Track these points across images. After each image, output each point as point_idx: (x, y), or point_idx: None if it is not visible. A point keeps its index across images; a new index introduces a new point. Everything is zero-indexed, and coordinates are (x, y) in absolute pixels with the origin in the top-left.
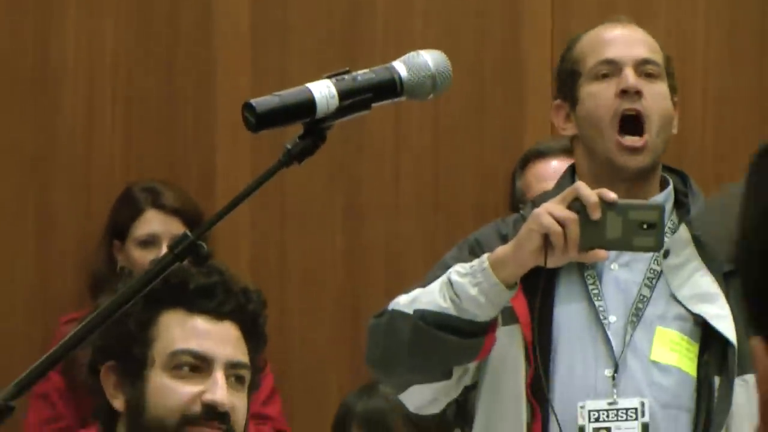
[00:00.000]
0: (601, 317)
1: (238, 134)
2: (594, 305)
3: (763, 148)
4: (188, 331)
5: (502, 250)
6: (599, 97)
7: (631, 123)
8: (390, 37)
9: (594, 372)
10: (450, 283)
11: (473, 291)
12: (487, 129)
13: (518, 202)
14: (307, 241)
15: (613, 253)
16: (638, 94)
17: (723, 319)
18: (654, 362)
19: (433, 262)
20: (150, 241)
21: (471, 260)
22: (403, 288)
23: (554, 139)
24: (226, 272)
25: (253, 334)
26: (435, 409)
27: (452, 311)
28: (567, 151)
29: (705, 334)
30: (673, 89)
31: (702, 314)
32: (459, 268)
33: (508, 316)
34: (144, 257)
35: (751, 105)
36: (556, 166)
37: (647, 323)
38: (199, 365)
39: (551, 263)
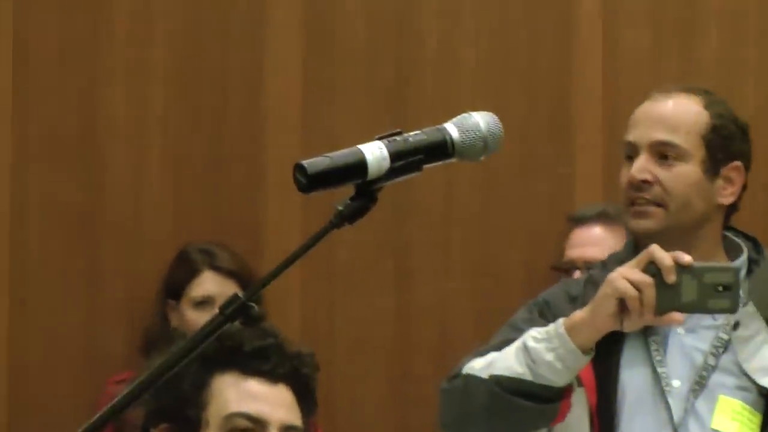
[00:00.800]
0: (664, 384)
1: (288, 194)
2: (657, 371)
3: None
4: (243, 393)
5: (578, 315)
6: (621, 181)
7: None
8: (439, 97)
9: None
10: (526, 348)
11: (549, 356)
12: (536, 190)
13: (557, 265)
14: (357, 303)
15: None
16: (646, 183)
17: None
18: (715, 431)
19: (483, 325)
20: (205, 302)
21: (541, 322)
22: (453, 351)
23: (600, 203)
24: (280, 335)
25: (305, 398)
26: None
27: (528, 377)
28: (605, 216)
29: None
30: (719, 160)
31: None
32: (534, 333)
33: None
34: (199, 318)
35: None
36: (598, 232)
37: (710, 391)
38: (254, 428)
39: (627, 327)
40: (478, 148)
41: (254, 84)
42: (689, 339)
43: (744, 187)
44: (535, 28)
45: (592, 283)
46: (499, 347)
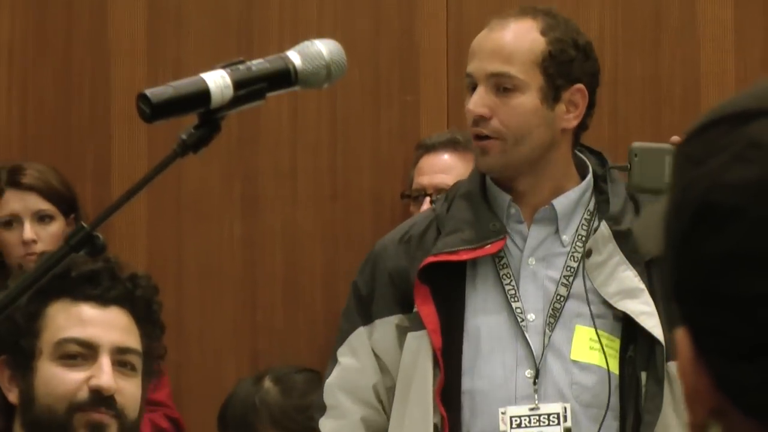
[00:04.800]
0: (519, 319)
1: (133, 124)
2: (511, 307)
3: (682, 139)
4: (73, 319)
5: None
6: (467, 112)
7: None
8: (285, 26)
9: (514, 375)
10: None
11: None
12: (383, 118)
13: (406, 192)
14: (205, 231)
15: (529, 248)
16: (483, 118)
17: (649, 316)
18: (574, 361)
19: (330, 253)
20: (12, 221)
21: (364, 309)
22: (301, 278)
23: (449, 131)
24: (112, 259)
25: (146, 320)
26: None
27: None
28: (454, 143)
29: (628, 330)
30: (559, 86)
31: (627, 311)
32: None
33: (417, 322)
34: (9, 238)
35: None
36: (447, 159)
37: (566, 321)
38: (85, 353)
39: None
40: (321, 75)
41: (99, 14)
42: (541, 268)
43: (592, 105)
44: None
45: (433, 214)
46: (341, 338)
